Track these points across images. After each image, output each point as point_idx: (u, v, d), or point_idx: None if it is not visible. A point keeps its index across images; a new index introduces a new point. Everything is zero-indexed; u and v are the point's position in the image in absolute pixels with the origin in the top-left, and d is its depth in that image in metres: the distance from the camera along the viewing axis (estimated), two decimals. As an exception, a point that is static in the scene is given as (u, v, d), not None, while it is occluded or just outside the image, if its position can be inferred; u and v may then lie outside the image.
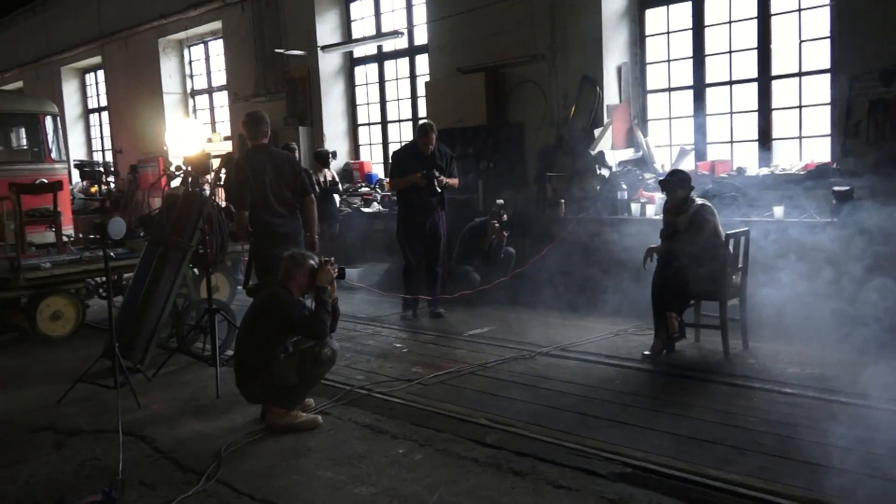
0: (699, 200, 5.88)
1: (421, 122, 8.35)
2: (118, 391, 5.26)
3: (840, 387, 4.95)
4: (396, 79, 11.59)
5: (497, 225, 8.37)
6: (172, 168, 6.33)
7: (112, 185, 15.47)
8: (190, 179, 5.99)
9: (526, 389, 5.35)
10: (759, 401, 4.84)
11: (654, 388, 5.28)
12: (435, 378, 5.71)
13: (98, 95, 18.57)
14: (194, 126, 6.05)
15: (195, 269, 7.27)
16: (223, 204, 7.23)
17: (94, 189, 15.48)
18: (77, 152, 18.74)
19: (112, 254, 8.04)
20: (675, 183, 5.83)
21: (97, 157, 18.86)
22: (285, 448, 4.56)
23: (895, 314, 5.59)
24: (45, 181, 11.68)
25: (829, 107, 7.34)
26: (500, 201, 8.62)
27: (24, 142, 12.95)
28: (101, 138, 18.85)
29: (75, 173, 15.99)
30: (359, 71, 12.16)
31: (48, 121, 12.28)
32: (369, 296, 8.95)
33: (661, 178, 5.93)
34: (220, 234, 6.79)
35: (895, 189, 6.40)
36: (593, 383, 5.40)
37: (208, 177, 6.47)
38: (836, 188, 6.49)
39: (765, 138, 7.85)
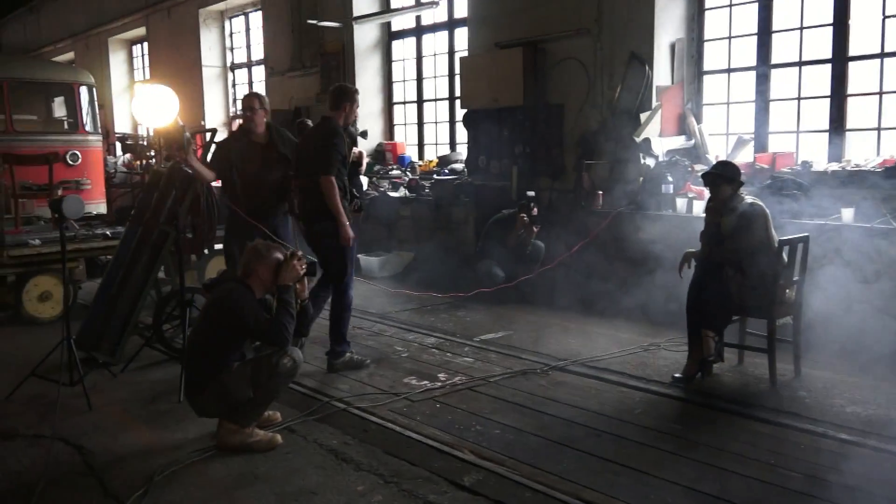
0: (749, 199, 4.94)
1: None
2: (60, 390, 4.65)
3: (912, 436, 4.01)
4: (435, 54, 10.78)
5: (526, 219, 7.54)
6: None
7: (153, 159, 15.17)
8: (164, 154, 5.33)
9: (527, 415, 4.54)
10: (808, 449, 3.92)
11: (681, 423, 4.40)
12: (425, 393, 4.94)
13: (144, 67, 18.27)
14: (164, 93, 5.36)
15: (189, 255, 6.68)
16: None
17: (136, 163, 15.20)
18: (122, 125, 18.53)
19: (108, 232, 7.54)
20: (721, 177, 4.90)
21: (142, 130, 18.59)
22: (230, 474, 3.88)
23: None
24: (78, 153, 11.37)
25: (915, 94, 6.29)
26: (531, 193, 7.79)
27: (60, 112, 12.64)
28: (147, 111, 18.54)
29: (118, 146, 15.76)
30: (396, 45, 11.40)
31: (83, 91, 11.87)
32: (386, 287, 8.22)
33: (704, 172, 5.01)
34: (210, 218, 6.17)
35: None
36: (608, 411, 4.55)
37: (197, 150, 5.82)
38: (921, 188, 5.47)
39: (837, 128, 6.80)
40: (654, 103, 7.65)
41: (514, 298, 7.40)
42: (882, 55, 6.49)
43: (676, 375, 5.02)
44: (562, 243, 7.59)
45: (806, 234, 5.00)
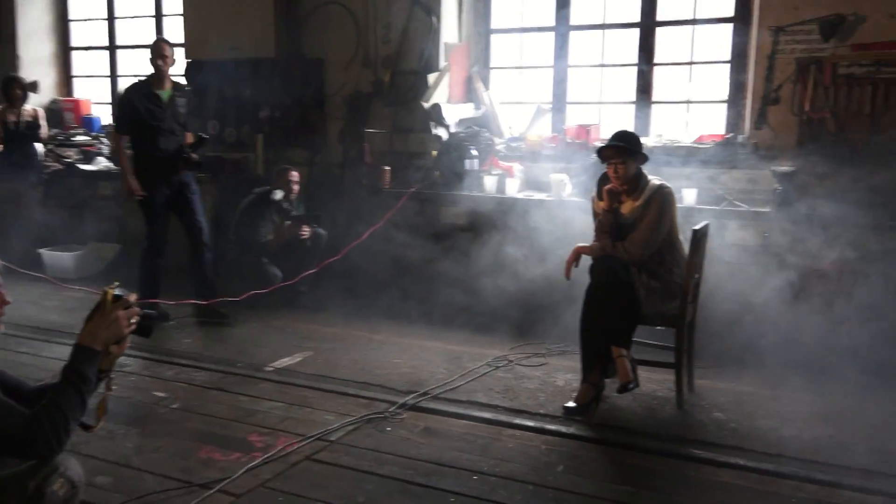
0: (656, 180, 3.97)
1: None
2: None
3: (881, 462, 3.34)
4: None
5: (303, 229, 5.95)
6: None
7: None
8: None
9: (423, 498, 3.08)
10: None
11: (626, 481, 3.25)
12: (247, 477, 3.22)
13: None
14: None
15: None
16: None
17: None
18: None
19: None
20: (627, 151, 3.86)
21: None
22: None
23: (875, 333, 4.23)
24: None
25: (727, 65, 5.89)
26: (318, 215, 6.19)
27: None
28: None
29: None
30: (75, -27, 8.78)
31: None
32: (90, 297, 6.01)
33: (603, 146, 3.94)
34: None
35: (828, 171, 5.07)
36: (526, 475, 3.27)
37: None
38: (777, 168, 4.99)
39: (643, 100, 6.22)
40: (443, 63, 6.46)
41: (295, 304, 5.78)
42: (694, 21, 6.00)
43: (569, 405, 3.92)
44: (343, 230, 6.13)
45: (706, 223, 4.18)
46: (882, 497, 3.07)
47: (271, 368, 4.59)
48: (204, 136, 5.79)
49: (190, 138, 5.79)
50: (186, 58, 7.27)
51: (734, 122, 5.87)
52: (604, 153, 3.91)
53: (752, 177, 5.39)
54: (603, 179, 4.02)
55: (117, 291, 2.34)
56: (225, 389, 4.25)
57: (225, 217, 6.41)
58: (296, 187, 6.11)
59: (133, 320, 2.33)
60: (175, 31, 7.63)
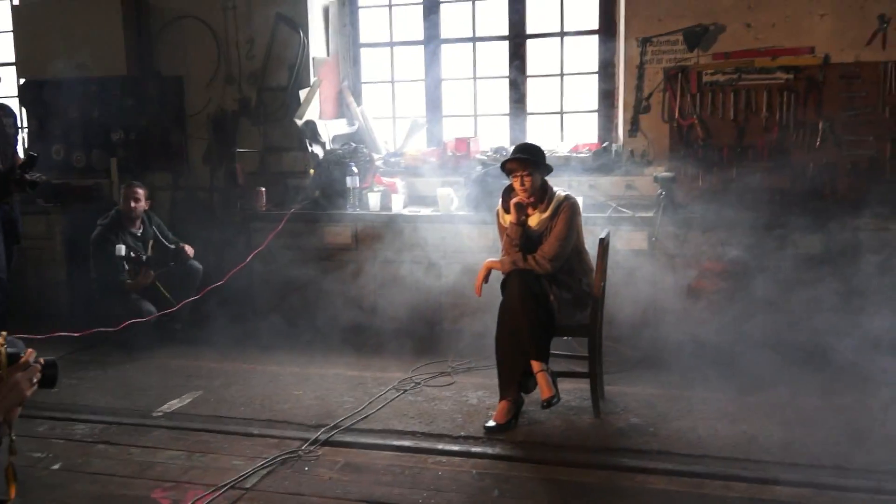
0: (561, 191, 3.96)
1: None
2: None
3: (792, 457, 3.48)
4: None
5: (151, 272, 5.48)
6: None
7: None
8: None
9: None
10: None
11: (563, 499, 3.19)
12: (165, 540, 2.89)
13: None
14: None
15: None
16: None
17: None
18: None
19: None
20: (532, 163, 3.82)
21: None
22: None
23: (770, 324, 4.46)
24: None
25: (595, 76, 6.05)
26: (185, 249, 5.68)
27: None
28: None
29: None
30: None
31: None
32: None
33: (508, 159, 3.87)
34: None
35: (700, 175, 5.35)
36: None
37: None
38: (659, 174, 5.16)
39: (518, 111, 6.28)
40: (313, 78, 6.23)
41: (172, 340, 5.34)
42: (562, 34, 6.12)
43: (490, 424, 3.83)
44: (217, 258, 5.76)
45: (608, 230, 4.22)
46: (809, 489, 3.17)
47: (160, 413, 4.18)
48: (33, 154, 5.31)
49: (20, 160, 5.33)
50: (20, 77, 6.63)
51: (606, 131, 6.04)
52: (508, 166, 3.86)
53: (629, 182, 5.55)
54: (507, 193, 3.97)
55: (10, 349, 2.01)
56: (112, 442, 3.82)
57: (80, 250, 5.83)
58: (141, 204, 5.63)
59: (35, 378, 2.01)
60: (5, 49, 6.92)
